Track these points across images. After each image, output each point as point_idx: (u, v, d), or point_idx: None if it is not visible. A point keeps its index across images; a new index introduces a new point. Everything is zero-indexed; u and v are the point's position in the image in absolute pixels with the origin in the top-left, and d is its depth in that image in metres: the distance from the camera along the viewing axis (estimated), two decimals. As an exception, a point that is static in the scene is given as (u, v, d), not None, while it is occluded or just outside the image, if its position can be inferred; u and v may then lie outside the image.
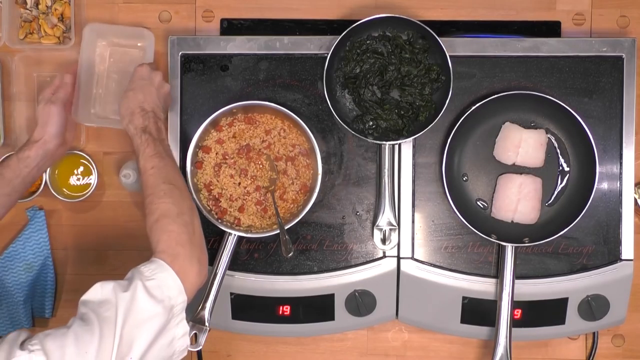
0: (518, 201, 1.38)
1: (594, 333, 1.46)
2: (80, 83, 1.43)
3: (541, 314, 1.41)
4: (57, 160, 1.40)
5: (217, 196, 1.38)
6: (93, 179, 1.45)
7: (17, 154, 1.31)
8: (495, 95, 1.37)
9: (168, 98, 1.37)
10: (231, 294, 1.42)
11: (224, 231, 1.36)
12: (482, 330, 1.42)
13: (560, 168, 1.41)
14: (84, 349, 0.98)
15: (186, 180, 1.36)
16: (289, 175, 1.38)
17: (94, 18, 1.48)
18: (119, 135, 1.48)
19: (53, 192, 1.45)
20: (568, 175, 1.41)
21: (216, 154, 1.38)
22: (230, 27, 1.49)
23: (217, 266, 1.35)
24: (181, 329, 1.11)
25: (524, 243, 1.36)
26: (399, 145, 1.41)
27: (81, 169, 1.47)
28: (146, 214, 1.19)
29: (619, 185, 1.41)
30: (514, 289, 1.37)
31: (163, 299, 1.08)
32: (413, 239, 1.41)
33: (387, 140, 1.39)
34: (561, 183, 1.41)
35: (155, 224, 1.17)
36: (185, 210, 1.19)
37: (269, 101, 1.37)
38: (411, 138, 1.38)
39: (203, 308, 1.34)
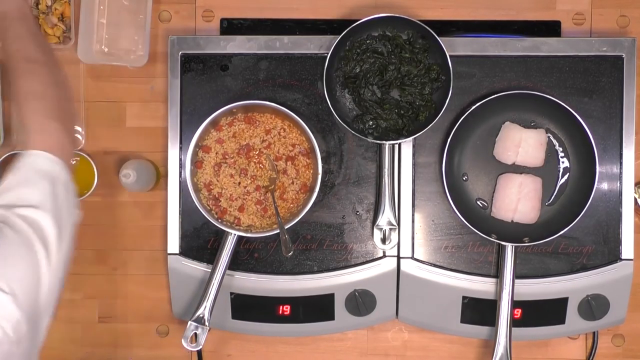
0: (518, 201, 1.38)
1: (594, 333, 1.46)
2: (81, 11, 1.41)
3: (541, 313, 1.41)
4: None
5: (217, 196, 1.38)
6: (93, 179, 1.45)
7: None
8: (495, 95, 1.37)
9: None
10: (231, 293, 1.42)
11: (224, 231, 1.36)
12: (482, 330, 1.42)
13: (560, 168, 1.41)
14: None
15: (186, 180, 1.36)
16: (289, 175, 1.38)
17: None
18: (119, 135, 1.48)
19: (53, 192, 1.44)
20: (568, 175, 1.41)
21: (216, 153, 1.39)
22: (230, 27, 1.49)
23: (217, 266, 1.35)
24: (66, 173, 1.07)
25: (524, 243, 1.36)
26: (399, 145, 1.41)
27: (81, 168, 1.47)
28: (15, 90, 1.13)
29: (619, 185, 1.41)
30: (514, 288, 1.37)
31: (41, 177, 1.04)
32: (413, 238, 1.41)
33: (387, 140, 1.39)
34: (561, 183, 1.41)
35: (24, 98, 1.10)
36: (53, 85, 1.12)
37: (269, 101, 1.37)
38: (411, 138, 1.38)
39: (203, 308, 1.34)
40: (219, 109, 1.36)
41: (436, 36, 1.36)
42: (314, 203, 1.35)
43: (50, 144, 1.07)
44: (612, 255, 1.41)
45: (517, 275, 1.38)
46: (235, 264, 1.40)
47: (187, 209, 1.41)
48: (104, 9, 1.48)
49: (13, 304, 0.92)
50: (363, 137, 1.39)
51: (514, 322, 1.38)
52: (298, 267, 1.42)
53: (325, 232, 1.42)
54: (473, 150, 1.42)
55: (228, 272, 1.37)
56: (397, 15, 1.37)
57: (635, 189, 1.43)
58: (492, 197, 1.42)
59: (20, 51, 1.14)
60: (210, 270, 1.37)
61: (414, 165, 1.42)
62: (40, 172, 1.04)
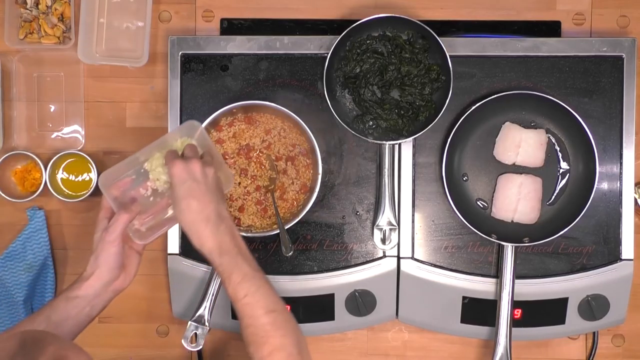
0: (518, 201, 1.38)
1: (594, 333, 1.46)
2: (82, 11, 1.41)
3: (541, 313, 1.41)
4: (117, 295, 1.22)
5: (217, 196, 1.38)
6: (93, 179, 1.45)
7: (67, 292, 1.17)
8: (495, 95, 1.37)
9: (219, 181, 1.19)
10: (231, 293, 1.42)
11: (224, 231, 1.36)
12: (482, 330, 1.42)
13: (560, 168, 1.41)
14: None
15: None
16: (289, 175, 1.38)
17: None
18: (119, 135, 1.48)
19: (53, 192, 1.45)
20: (568, 175, 1.41)
21: (216, 153, 1.39)
22: (230, 27, 1.49)
23: (217, 266, 1.35)
24: None
25: (524, 243, 1.36)
26: (399, 145, 1.41)
27: (81, 169, 1.47)
28: (248, 343, 1.12)
29: (619, 185, 1.41)
30: (514, 288, 1.37)
31: None
32: (413, 238, 1.41)
33: (387, 140, 1.39)
34: (561, 183, 1.41)
35: (268, 358, 1.09)
36: (296, 338, 1.11)
37: (269, 101, 1.37)
38: (411, 138, 1.38)
39: (203, 308, 1.34)
40: (219, 109, 1.36)
41: (436, 36, 1.36)
42: (314, 203, 1.35)
43: None
44: (612, 255, 1.41)
45: (517, 275, 1.38)
46: (235, 264, 1.40)
47: (187, 209, 1.41)
48: (104, 9, 1.48)
49: None
50: (363, 137, 1.39)
51: (514, 322, 1.38)
52: (298, 267, 1.42)
53: (325, 232, 1.42)
54: (473, 151, 1.42)
55: (228, 272, 1.37)
56: (397, 15, 1.37)
57: (635, 189, 1.43)
58: (492, 197, 1.42)
59: (255, 296, 1.10)
60: (210, 271, 1.37)
61: (414, 165, 1.42)
62: None
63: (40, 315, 1.15)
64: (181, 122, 1.42)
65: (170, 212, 1.24)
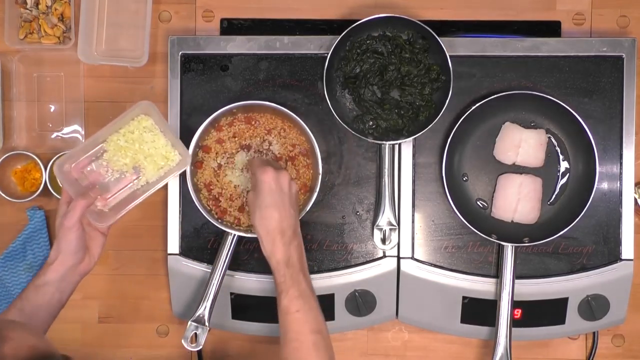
0: (518, 201, 1.38)
1: (594, 333, 1.46)
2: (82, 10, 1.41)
3: (541, 313, 1.41)
4: (83, 277, 1.26)
5: (217, 196, 1.38)
6: (93, 179, 1.46)
7: (34, 281, 1.21)
8: (495, 95, 1.37)
9: (298, 197, 1.28)
10: (231, 294, 1.42)
11: (224, 231, 1.36)
12: (482, 330, 1.42)
13: (561, 168, 1.41)
14: None
15: (186, 180, 1.36)
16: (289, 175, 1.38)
17: None
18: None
19: (53, 192, 1.45)
20: (568, 175, 1.41)
21: (216, 153, 1.38)
22: (230, 27, 1.49)
23: (217, 266, 1.35)
24: None
25: (524, 243, 1.36)
26: (399, 145, 1.41)
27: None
28: (285, 354, 1.17)
29: (619, 185, 1.41)
30: (514, 288, 1.37)
31: None
32: (413, 238, 1.42)
33: (387, 140, 1.39)
34: (561, 183, 1.41)
35: None
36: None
37: (269, 101, 1.37)
38: (411, 138, 1.38)
39: (203, 308, 1.34)
40: (219, 109, 1.36)
41: (436, 36, 1.36)
42: (314, 203, 1.35)
43: None
44: (612, 255, 1.41)
45: (517, 275, 1.38)
46: (235, 264, 1.40)
47: (187, 209, 1.41)
48: (104, 9, 1.48)
49: None
50: (363, 138, 1.39)
51: (514, 322, 1.38)
52: (298, 267, 1.42)
53: (325, 232, 1.42)
54: (473, 151, 1.42)
55: (228, 272, 1.37)
56: (397, 15, 1.37)
57: (635, 189, 1.43)
58: (492, 197, 1.42)
59: (307, 315, 1.15)
60: (210, 270, 1.37)
61: (414, 165, 1.42)
62: None
63: (13, 307, 1.18)
64: (181, 122, 1.42)
65: (132, 190, 1.30)
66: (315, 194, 1.35)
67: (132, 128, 1.30)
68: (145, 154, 1.30)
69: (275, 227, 1.21)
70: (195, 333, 1.33)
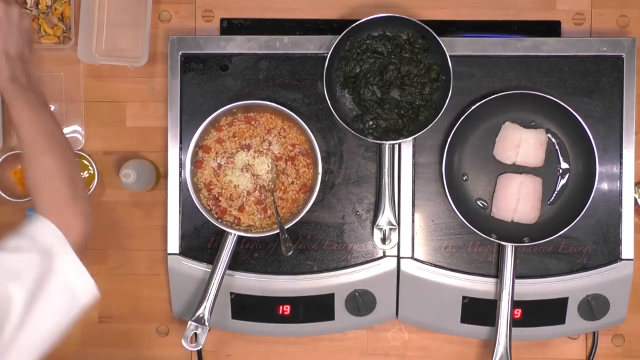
0: (518, 201, 1.38)
1: (594, 333, 1.46)
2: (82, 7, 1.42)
3: (541, 313, 1.41)
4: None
5: (217, 196, 1.38)
6: (93, 179, 1.45)
7: None
8: (495, 95, 1.37)
9: (30, 33, 1.25)
10: (231, 293, 1.42)
11: (224, 231, 1.36)
12: (482, 330, 1.42)
13: (560, 168, 1.41)
14: None
15: (186, 180, 1.36)
16: (289, 175, 1.38)
17: None
18: (119, 135, 1.48)
19: (53, 192, 1.45)
20: (568, 175, 1.41)
21: (216, 153, 1.38)
22: (230, 27, 1.49)
23: (217, 266, 1.35)
24: (73, 267, 1.04)
25: (524, 243, 1.36)
26: (399, 145, 1.41)
27: (81, 168, 1.47)
28: (25, 168, 1.13)
29: (619, 185, 1.41)
30: (514, 288, 1.37)
31: (32, 246, 1.03)
32: (413, 238, 1.41)
33: (387, 140, 1.39)
34: (561, 183, 1.41)
35: (36, 182, 1.11)
36: (66, 164, 1.13)
37: (269, 101, 1.37)
38: (411, 138, 1.38)
39: (203, 308, 1.34)
40: (219, 109, 1.36)
41: (436, 36, 1.36)
42: (314, 203, 1.35)
43: (61, 225, 1.06)
44: (612, 255, 1.41)
45: (517, 275, 1.38)
46: (235, 264, 1.40)
47: (187, 209, 1.41)
48: (103, 9, 1.48)
49: None
50: (363, 137, 1.39)
51: (514, 322, 1.38)
52: (298, 267, 1.42)
53: (325, 232, 1.42)
54: (473, 150, 1.42)
55: (228, 272, 1.37)
56: (397, 15, 1.37)
57: (635, 189, 1.43)
58: (492, 197, 1.42)
59: (36, 123, 1.13)
60: (210, 270, 1.37)
61: (414, 165, 1.42)
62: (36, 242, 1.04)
63: None
64: (181, 122, 1.42)
65: None
66: (315, 194, 1.35)
67: None
68: None
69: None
70: (195, 333, 1.33)
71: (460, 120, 1.36)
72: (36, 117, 1.14)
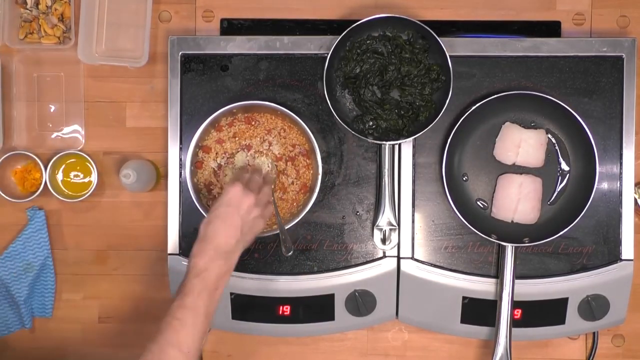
0: (518, 201, 1.38)
1: (594, 333, 1.46)
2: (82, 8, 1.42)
3: (541, 314, 1.41)
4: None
5: (217, 196, 1.38)
6: (93, 179, 1.45)
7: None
8: (495, 95, 1.37)
9: (256, 223, 1.23)
10: (231, 294, 1.42)
11: (224, 231, 1.36)
12: (482, 330, 1.42)
13: (561, 168, 1.41)
14: None
15: (186, 181, 1.36)
16: (289, 175, 1.38)
17: None
18: (119, 135, 1.48)
19: (53, 192, 1.45)
20: (568, 175, 1.41)
21: (216, 153, 1.39)
22: (230, 27, 1.49)
23: (217, 266, 1.35)
24: None
25: (524, 243, 1.36)
26: (399, 145, 1.41)
27: (81, 169, 1.47)
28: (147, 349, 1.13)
29: (619, 185, 1.41)
30: (514, 289, 1.37)
31: None
32: (413, 239, 1.42)
33: (387, 140, 1.39)
34: (561, 183, 1.41)
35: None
36: None
37: (269, 101, 1.37)
38: (411, 138, 1.38)
39: (203, 308, 1.34)
40: (219, 109, 1.36)
41: (436, 36, 1.36)
42: (314, 203, 1.35)
43: None
44: (612, 255, 1.41)
45: (517, 275, 1.38)
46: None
47: (187, 209, 1.41)
48: (104, 9, 1.48)
49: None
50: (363, 138, 1.39)
51: (514, 322, 1.38)
52: (298, 267, 1.42)
53: (325, 232, 1.42)
54: (473, 151, 1.42)
55: (228, 272, 1.37)
56: (397, 15, 1.37)
57: (635, 189, 1.43)
58: (492, 197, 1.42)
59: (183, 329, 1.11)
60: (210, 271, 1.37)
61: (414, 165, 1.42)
62: None
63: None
64: (181, 122, 1.42)
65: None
66: (315, 195, 1.35)
67: None
68: None
69: (212, 237, 1.17)
70: (196, 333, 1.33)
71: (461, 121, 1.36)
72: (188, 322, 1.12)
